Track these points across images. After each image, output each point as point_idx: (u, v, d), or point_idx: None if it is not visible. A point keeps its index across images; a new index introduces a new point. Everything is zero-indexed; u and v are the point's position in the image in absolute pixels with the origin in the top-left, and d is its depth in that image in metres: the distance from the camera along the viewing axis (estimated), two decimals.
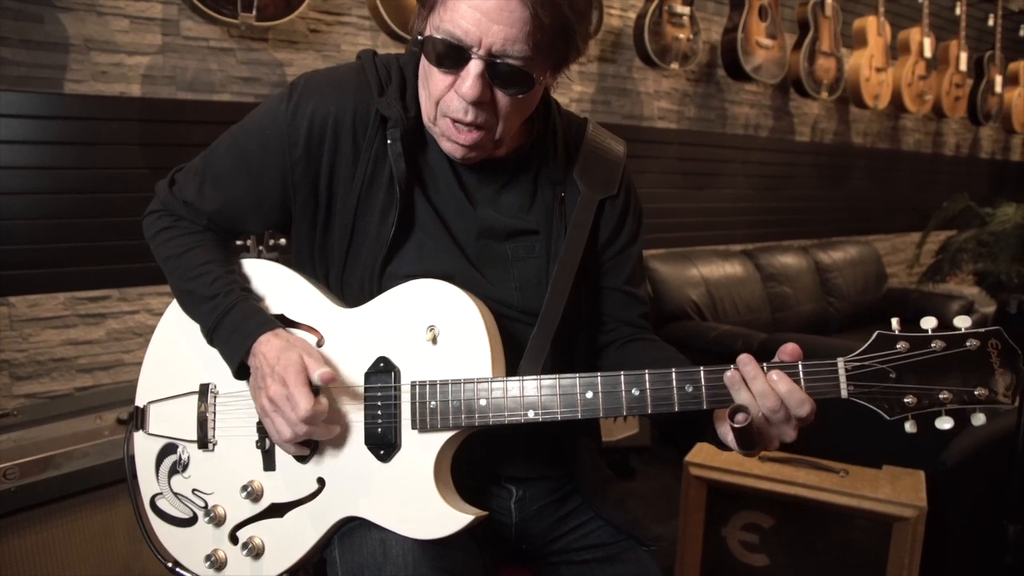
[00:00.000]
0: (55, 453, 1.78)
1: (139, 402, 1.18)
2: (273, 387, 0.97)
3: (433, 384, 0.98)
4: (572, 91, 3.61)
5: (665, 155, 4.03)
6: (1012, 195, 5.92)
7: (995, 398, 0.88)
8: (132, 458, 1.17)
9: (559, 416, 0.95)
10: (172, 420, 1.13)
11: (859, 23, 4.61)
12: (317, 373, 0.96)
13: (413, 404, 0.99)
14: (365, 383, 1.02)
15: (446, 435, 0.98)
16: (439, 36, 0.94)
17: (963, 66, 5.34)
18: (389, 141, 1.03)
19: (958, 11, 5.35)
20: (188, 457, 1.12)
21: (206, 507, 1.09)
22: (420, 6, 0.99)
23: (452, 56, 0.94)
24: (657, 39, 3.48)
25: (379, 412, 1.01)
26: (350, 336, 1.05)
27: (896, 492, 1.93)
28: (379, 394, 1.01)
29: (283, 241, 1.20)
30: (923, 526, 1.89)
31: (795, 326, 4.09)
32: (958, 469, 2.05)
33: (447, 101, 0.98)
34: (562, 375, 0.95)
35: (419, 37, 0.97)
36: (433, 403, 0.98)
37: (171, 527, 1.13)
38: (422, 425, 0.99)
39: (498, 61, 0.93)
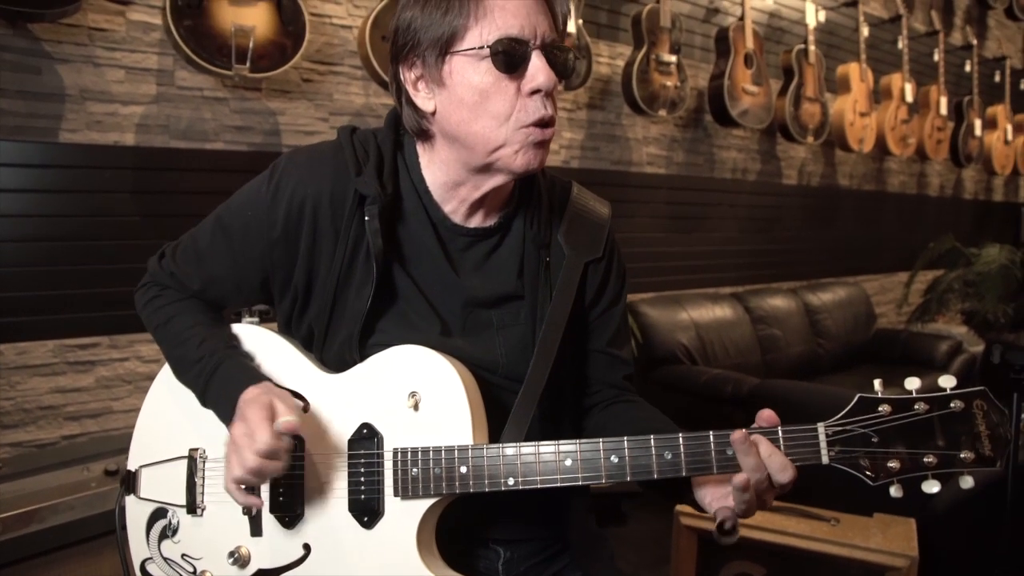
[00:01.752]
0: (40, 506, 1.76)
1: (131, 466, 1.17)
2: (236, 427, 0.96)
3: (415, 451, 0.99)
4: (562, 137, 3.67)
5: (654, 200, 4.08)
6: (996, 235, 6.02)
7: (982, 461, 0.87)
8: (124, 528, 1.16)
9: (539, 484, 0.95)
10: (163, 485, 1.13)
11: (842, 69, 4.73)
12: (281, 420, 0.94)
13: (395, 471, 0.99)
14: (349, 449, 1.02)
15: (428, 502, 0.98)
16: (501, 39, 0.96)
17: (943, 110, 5.48)
18: (367, 218, 1.05)
19: (936, 57, 5.50)
20: (178, 522, 1.12)
21: (195, 572, 1.09)
22: (435, 57, 0.99)
23: (514, 57, 0.97)
24: (645, 86, 3.56)
25: (362, 479, 1.01)
26: (335, 402, 1.05)
27: (887, 541, 1.93)
28: (362, 460, 1.01)
29: (263, 307, 1.21)
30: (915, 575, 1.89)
31: (785, 368, 4.11)
32: (948, 516, 2.05)
33: (522, 108, 0.98)
34: (541, 443, 0.96)
35: (475, 48, 0.97)
36: (415, 470, 0.98)
37: None
38: (404, 492, 0.99)
39: (551, 46, 0.99)
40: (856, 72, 4.70)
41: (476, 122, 1.00)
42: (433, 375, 1.00)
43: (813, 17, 4.35)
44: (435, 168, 1.08)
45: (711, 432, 0.92)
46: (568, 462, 0.94)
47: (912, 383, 0.90)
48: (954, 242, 5.35)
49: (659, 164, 4.11)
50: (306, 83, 2.81)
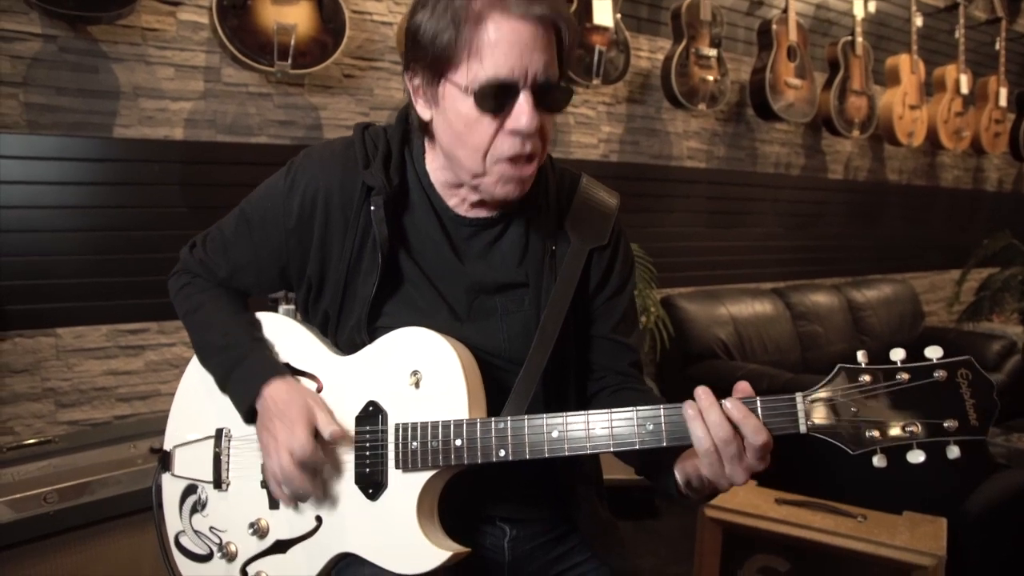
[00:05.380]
0: (91, 480, 1.88)
1: (167, 446, 1.26)
2: (280, 428, 1.04)
3: (415, 426, 1.04)
4: (601, 131, 3.68)
5: (694, 194, 4.05)
6: None
7: (968, 430, 0.86)
8: (160, 505, 1.25)
9: (527, 455, 0.99)
10: (193, 463, 1.22)
11: (892, 61, 4.60)
12: (328, 430, 1.04)
13: (397, 445, 1.05)
14: (356, 426, 1.09)
15: (428, 474, 1.04)
16: (487, 82, 0.96)
17: (1003, 101, 5.27)
18: (372, 208, 1.10)
19: (997, 46, 5.30)
20: (206, 497, 1.20)
21: (220, 543, 1.17)
22: (431, 77, 1.01)
23: (500, 98, 0.97)
24: (684, 81, 3.54)
25: (368, 453, 1.07)
26: (345, 382, 1.12)
27: (915, 539, 1.90)
28: (368, 436, 1.08)
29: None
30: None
31: (825, 365, 3.97)
32: (982, 518, 2.00)
33: (498, 145, 1.00)
34: (530, 416, 1.00)
35: (462, 86, 0.97)
36: (414, 444, 1.04)
37: (191, 562, 1.20)
38: (405, 465, 1.04)
39: (544, 86, 0.98)
40: (906, 64, 4.57)
41: (460, 148, 1.03)
42: (433, 355, 1.05)
43: (861, 8, 4.24)
44: (437, 167, 1.13)
45: (688, 400, 0.94)
46: (555, 434, 0.98)
47: (897, 354, 0.89)
48: (1011, 238, 5.15)
49: (699, 158, 4.08)
50: (347, 79, 2.88)
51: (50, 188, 2.37)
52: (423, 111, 1.07)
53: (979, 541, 2.01)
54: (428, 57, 0.99)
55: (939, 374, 0.87)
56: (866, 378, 0.89)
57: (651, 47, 3.78)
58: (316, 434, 1.05)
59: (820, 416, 0.90)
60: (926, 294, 5.41)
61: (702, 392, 0.93)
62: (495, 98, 0.97)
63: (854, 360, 0.91)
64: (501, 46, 0.94)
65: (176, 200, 2.57)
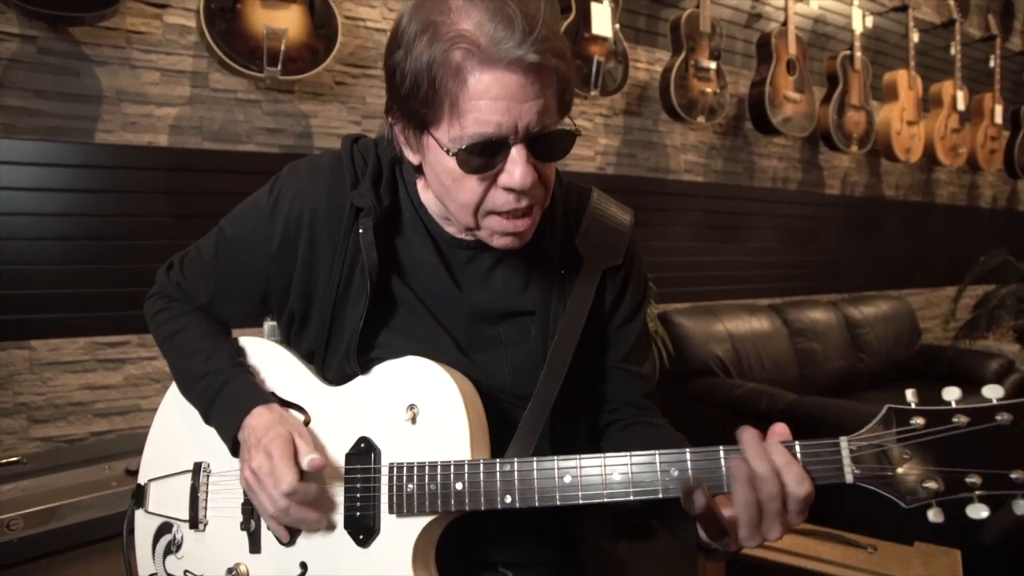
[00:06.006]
0: (60, 504, 1.77)
1: (140, 480, 1.16)
2: (257, 458, 0.94)
3: (411, 466, 0.94)
4: (598, 144, 3.62)
5: (691, 208, 4.00)
6: None
7: None
8: (132, 541, 1.15)
9: (536, 503, 0.89)
10: (169, 499, 1.12)
11: (890, 76, 4.58)
12: (307, 459, 0.93)
13: (391, 487, 0.95)
14: (346, 464, 0.99)
15: (424, 520, 0.93)
16: (471, 142, 0.85)
17: (998, 118, 5.26)
18: (361, 231, 1.00)
19: (992, 63, 5.30)
20: (182, 537, 1.10)
21: None
22: (413, 127, 0.91)
23: (488, 155, 0.87)
24: (683, 93, 3.48)
25: (358, 495, 0.97)
26: (335, 415, 1.02)
27: (929, 573, 1.82)
28: (359, 476, 0.97)
29: None
30: None
31: (823, 383, 3.97)
32: (998, 549, 1.93)
33: (491, 200, 0.91)
34: (540, 458, 0.90)
35: (444, 146, 0.88)
36: (410, 486, 0.93)
37: None
38: (399, 509, 0.94)
39: (538, 136, 0.88)
40: (904, 79, 4.54)
41: (449, 202, 0.95)
42: (431, 387, 0.95)
43: (860, 23, 4.22)
44: (431, 199, 1.04)
45: (721, 447, 0.84)
46: (567, 479, 0.87)
47: (951, 393, 0.79)
48: (1007, 255, 5.14)
49: (697, 172, 4.02)
50: (339, 86, 2.81)
51: (27, 194, 2.27)
52: (410, 156, 0.98)
53: (995, 574, 1.94)
54: (407, 109, 0.90)
55: (1002, 417, 0.76)
56: (919, 421, 0.79)
57: (649, 58, 3.73)
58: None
59: (868, 464, 0.80)
60: (922, 311, 5.37)
61: (750, 438, 0.81)
62: (482, 156, 0.87)
63: (884, 400, 0.82)
64: (483, 106, 0.84)
65: (160, 209, 2.48)
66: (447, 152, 0.88)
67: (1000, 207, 6.24)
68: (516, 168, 0.87)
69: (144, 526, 1.14)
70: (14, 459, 1.90)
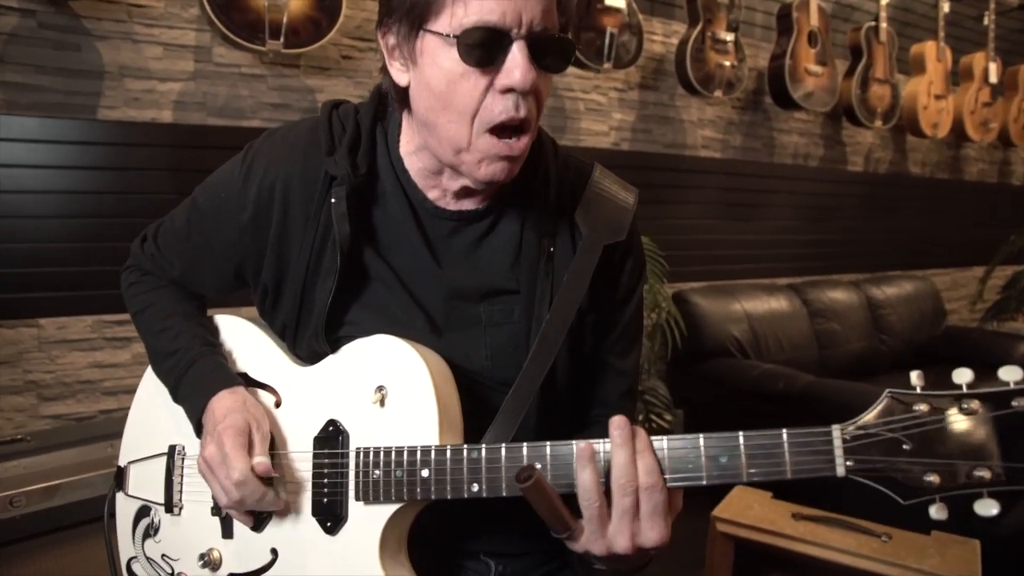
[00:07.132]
0: (61, 482, 1.77)
1: (121, 461, 1.14)
2: (209, 447, 0.91)
3: (377, 451, 0.89)
4: (612, 118, 3.54)
5: (708, 185, 3.90)
6: None
7: None
8: (114, 524, 1.14)
9: (504, 492, 0.84)
10: (147, 482, 1.09)
11: (917, 48, 4.42)
12: (256, 460, 0.90)
13: (357, 473, 0.90)
14: (314, 448, 0.95)
15: (391, 508, 0.89)
16: (473, 27, 0.81)
17: None
18: (333, 200, 0.95)
19: None
20: (159, 521, 1.07)
21: (172, 573, 1.05)
22: (408, 28, 0.86)
23: (489, 48, 0.82)
24: (700, 66, 3.38)
25: (326, 481, 0.93)
26: (304, 396, 0.98)
27: (945, 564, 1.76)
28: (326, 461, 0.93)
29: None
30: None
31: (843, 365, 3.89)
32: (1017, 540, 1.86)
33: (488, 108, 0.85)
34: (509, 444, 0.84)
35: (444, 34, 0.83)
36: (377, 472, 0.88)
37: None
38: (366, 496, 0.89)
39: (540, 37, 0.83)
40: (932, 51, 4.38)
41: (442, 113, 0.88)
42: (400, 368, 0.90)
43: None
44: (413, 150, 0.98)
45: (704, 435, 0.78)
46: (537, 467, 0.81)
47: (962, 375, 0.71)
48: None
49: (714, 148, 3.92)
50: (345, 60, 2.75)
51: (30, 172, 2.25)
52: (399, 76, 0.92)
53: (1016, 566, 1.87)
54: (406, 7, 0.85)
55: (1019, 403, 0.68)
56: (923, 407, 0.71)
57: (665, 31, 3.63)
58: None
59: (863, 455, 0.72)
60: (948, 291, 5.24)
61: (618, 423, 0.78)
62: (483, 47, 0.82)
63: (906, 383, 0.73)
64: None
65: (164, 186, 2.45)
66: (447, 38, 0.83)
67: None
68: (517, 66, 0.83)
69: (125, 509, 1.12)
70: (18, 437, 1.90)
